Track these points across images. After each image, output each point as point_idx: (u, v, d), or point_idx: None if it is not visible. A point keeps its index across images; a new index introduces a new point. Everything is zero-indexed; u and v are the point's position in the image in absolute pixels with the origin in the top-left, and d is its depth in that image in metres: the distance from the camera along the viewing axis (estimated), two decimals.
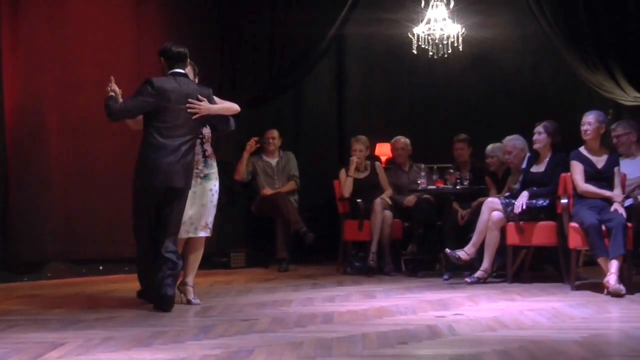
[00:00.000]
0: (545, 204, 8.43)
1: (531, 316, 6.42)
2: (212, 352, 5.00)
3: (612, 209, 7.82)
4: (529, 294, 7.68)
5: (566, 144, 8.65)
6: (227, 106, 7.32)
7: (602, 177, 8.10)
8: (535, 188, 8.48)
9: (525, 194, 8.40)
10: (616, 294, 7.35)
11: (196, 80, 7.47)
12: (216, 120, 7.35)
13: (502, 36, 11.39)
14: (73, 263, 9.55)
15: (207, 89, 7.26)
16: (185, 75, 7.17)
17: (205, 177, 7.46)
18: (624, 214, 7.77)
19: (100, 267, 9.74)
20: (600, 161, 8.15)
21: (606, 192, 7.98)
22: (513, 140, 9.10)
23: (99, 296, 8.07)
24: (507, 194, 8.85)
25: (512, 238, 8.43)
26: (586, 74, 10.31)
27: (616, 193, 7.98)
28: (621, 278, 7.49)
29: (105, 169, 9.78)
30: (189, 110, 6.93)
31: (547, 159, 8.61)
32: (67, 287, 8.70)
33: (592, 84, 10.33)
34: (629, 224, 7.78)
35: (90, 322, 6.34)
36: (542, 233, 8.41)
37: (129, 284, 8.41)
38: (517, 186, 8.75)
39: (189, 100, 6.95)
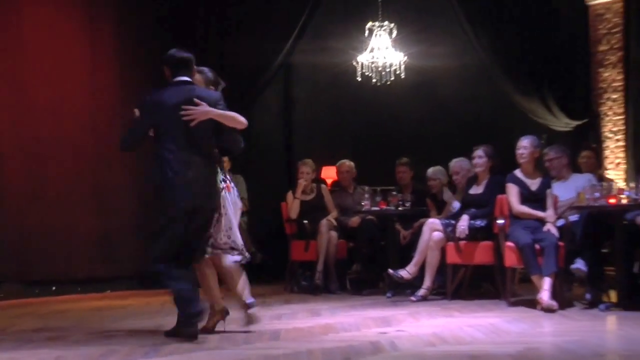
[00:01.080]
0: (483, 224, 8.48)
1: (469, 332, 6.43)
2: None
3: (545, 229, 7.93)
4: (468, 310, 7.71)
5: (502, 166, 8.72)
6: (231, 115, 6.37)
7: (536, 198, 8.18)
8: (474, 210, 8.56)
9: (465, 218, 8.48)
10: (549, 310, 7.43)
11: (211, 89, 6.62)
12: (225, 138, 6.46)
13: (442, 65, 11.51)
14: (26, 284, 9.40)
15: (214, 93, 6.48)
16: (189, 82, 6.38)
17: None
18: (556, 234, 7.86)
19: (53, 288, 9.60)
20: (534, 184, 8.24)
21: (539, 213, 8.07)
22: (460, 162, 9.22)
23: (51, 316, 7.94)
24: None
25: (452, 257, 8.49)
26: (521, 101, 10.51)
27: (549, 214, 8.07)
28: (554, 294, 7.56)
29: (58, 191, 9.73)
30: (184, 118, 6.13)
31: (485, 181, 8.68)
32: (20, 308, 8.58)
33: (526, 110, 10.52)
34: (561, 243, 7.86)
35: (43, 341, 6.26)
36: (480, 252, 8.44)
37: (81, 303, 8.38)
38: (454, 206, 8.88)
39: (183, 107, 6.14)
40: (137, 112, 6.28)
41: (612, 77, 10.41)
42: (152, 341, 6.12)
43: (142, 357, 5.46)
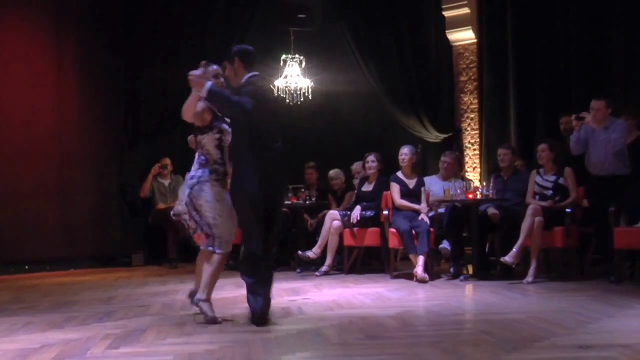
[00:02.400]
0: (372, 214, 8.51)
1: (360, 298, 6.54)
2: (113, 332, 4.98)
3: (419, 218, 8.04)
4: (360, 282, 7.77)
5: (388, 169, 8.82)
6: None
7: (413, 194, 8.29)
8: (365, 203, 8.62)
9: (358, 208, 8.53)
10: (422, 281, 7.55)
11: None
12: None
13: (342, 89, 11.51)
14: (2, 264, 9.18)
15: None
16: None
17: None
18: (428, 222, 8.00)
19: (26, 267, 9.46)
20: (411, 182, 8.34)
21: (415, 206, 8.18)
22: (358, 165, 9.38)
23: (23, 290, 7.79)
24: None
25: (348, 240, 8.55)
26: (401, 118, 10.67)
27: (422, 206, 8.19)
28: (426, 269, 7.68)
29: (29, 188, 9.57)
30: None
31: (375, 181, 8.73)
32: None
33: (405, 126, 10.67)
34: (432, 229, 8.00)
35: (14, 310, 6.20)
36: (370, 236, 8.49)
37: (48, 279, 8.30)
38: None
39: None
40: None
41: (469, 100, 10.61)
42: (106, 309, 6.10)
43: (96, 322, 5.46)
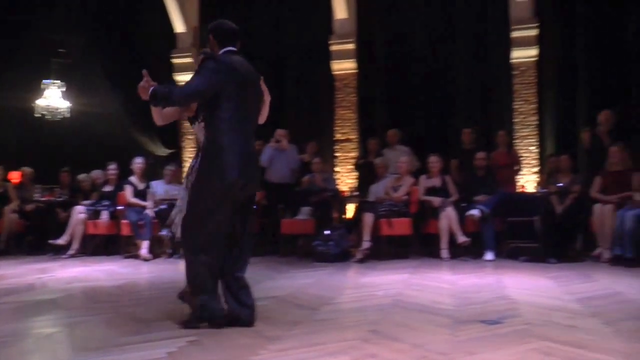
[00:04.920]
0: (112, 209, 8.46)
1: (96, 274, 6.33)
2: None
3: (145, 212, 8.04)
4: (98, 262, 7.46)
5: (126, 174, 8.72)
6: None
7: (142, 194, 8.26)
8: (106, 201, 8.53)
9: (105, 204, 8.48)
10: (145, 259, 7.61)
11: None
12: None
13: (93, 110, 11.35)
14: None
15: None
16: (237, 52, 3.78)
17: None
18: (153, 215, 8.02)
19: None
20: (141, 185, 8.32)
21: (143, 202, 8.16)
22: (97, 172, 9.06)
23: None
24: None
25: (91, 229, 8.37)
26: (138, 136, 10.74)
27: (149, 204, 8.19)
28: (150, 251, 7.74)
29: None
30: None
31: (114, 183, 8.63)
32: None
33: (141, 142, 10.74)
34: (155, 221, 7.96)
35: None
36: (108, 227, 8.40)
37: None
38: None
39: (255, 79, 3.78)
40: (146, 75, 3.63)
41: (187, 127, 10.91)
42: None
43: None
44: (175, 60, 10.89)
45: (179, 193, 4.50)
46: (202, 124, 3.76)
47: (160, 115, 3.96)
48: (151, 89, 3.56)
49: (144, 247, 7.80)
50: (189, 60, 10.77)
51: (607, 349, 3.00)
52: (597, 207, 7.07)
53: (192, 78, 3.59)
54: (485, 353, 2.94)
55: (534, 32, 9.54)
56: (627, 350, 2.98)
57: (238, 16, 10.48)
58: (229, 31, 3.77)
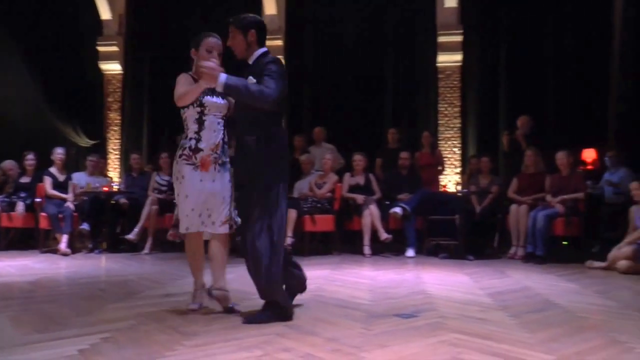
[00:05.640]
0: (29, 202, 8.15)
1: (7, 270, 6.10)
2: None
3: (66, 205, 7.84)
4: (12, 257, 7.21)
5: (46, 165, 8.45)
6: None
7: (62, 186, 8.05)
8: (23, 193, 8.22)
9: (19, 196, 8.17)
10: (65, 254, 7.42)
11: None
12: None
13: (9, 96, 10.79)
14: None
15: None
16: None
17: (224, 165, 3.81)
18: (73, 208, 7.82)
19: None
20: (62, 176, 8.11)
21: (63, 195, 7.96)
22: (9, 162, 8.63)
23: None
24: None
25: (4, 222, 8.09)
26: (59, 126, 10.39)
27: (69, 196, 8.01)
28: (69, 245, 7.55)
29: None
30: None
31: (32, 174, 8.33)
32: None
33: (64, 132, 10.42)
34: (75, 214, 7.82)
35: None
36: (25, 220, 8.10)
37: None
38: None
39: None
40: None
41: (114, 117, 10.68)
42: None
43: None
44: (101, 48, 10.59)
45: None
46: (197, 109, 3.70)
47: (189, 99, 3.67)
48: (222, 75, 3.37)
49: (64, 242, 7.56)
50: (114, 48, 10.49)
51: (512, 339, 3.15)
52: (513, 207, 7.38)
53: (268, 81, 3.41)
54: (396, 345, 3.02)
55: (459, 38, 9.84)
56: (529, 341, 3.13)
57: (168, 7, 10.34)
58: (265, 30, 3.69)
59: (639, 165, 8.11)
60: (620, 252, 6.15)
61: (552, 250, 6.98)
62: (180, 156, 3.74)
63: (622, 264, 6.05)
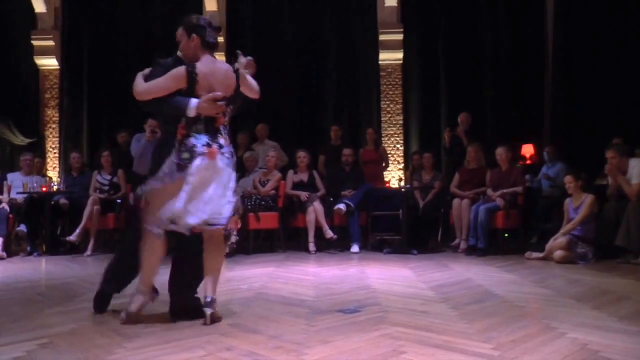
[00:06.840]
0: None
1: None
2: None
3: (0, 206, 7.65)
4: None
5: None
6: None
7: None
8: None
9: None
10: (0, 259, 7.15)
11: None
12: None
13: None
14: None
15: None
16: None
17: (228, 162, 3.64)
18: (8, 209, 7.59)
19: None
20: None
21: None
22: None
23: None
24: None
25: None
26: None
27: (4, 197, 7.81)
28: (6, 247, 7.31)
29: None
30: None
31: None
32: None
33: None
34: (11, 215, 7.59)
35: None
36: None
37: None
38: None
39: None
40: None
41: (52, 114, 10.41)
42: None
43: None
44: (36, 43, 10.26)
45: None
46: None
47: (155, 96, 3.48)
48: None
49: None
50: (50, 42, 10.19)
51: (452, 330, 3.23)
52: (455, 202, 7.55)
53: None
54: (338, 341, 3.05)
55: (399, 37, 10.01)
56: (468, 331, 3.22)
57: (104, 1, 10.11)
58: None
59: (574, 160, 8.46)
60: (556, 242, 6.39)
61: (493, 243, 7.18)
62: (180, 153, 3.38)
63: (558, 254, 6.28)
